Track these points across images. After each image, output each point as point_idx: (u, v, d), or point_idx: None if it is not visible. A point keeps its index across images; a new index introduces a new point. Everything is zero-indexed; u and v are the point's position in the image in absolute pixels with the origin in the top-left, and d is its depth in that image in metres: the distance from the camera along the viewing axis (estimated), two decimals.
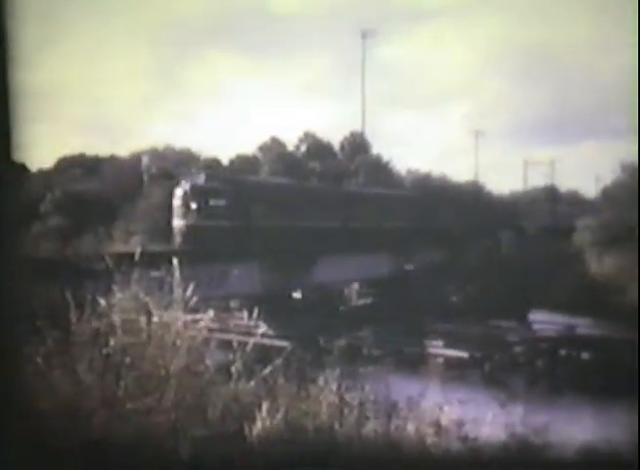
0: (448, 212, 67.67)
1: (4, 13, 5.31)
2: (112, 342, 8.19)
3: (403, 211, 62.40)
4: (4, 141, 5.59)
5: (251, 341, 9.25)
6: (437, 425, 9.07)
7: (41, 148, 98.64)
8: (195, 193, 45.71)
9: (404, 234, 59.72)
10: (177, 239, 45.97)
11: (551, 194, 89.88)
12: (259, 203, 48.42)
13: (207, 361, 8.72)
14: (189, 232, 44.89)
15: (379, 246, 57.25)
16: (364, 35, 76.21)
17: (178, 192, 46.65)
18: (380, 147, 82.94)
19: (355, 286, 59.28)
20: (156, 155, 72.33)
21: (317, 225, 52.07)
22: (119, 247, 52.41)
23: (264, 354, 9.43)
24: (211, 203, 45.76)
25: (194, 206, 45.28)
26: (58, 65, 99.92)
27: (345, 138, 77.92)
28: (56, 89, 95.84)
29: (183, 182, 47.25)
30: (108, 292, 8.84)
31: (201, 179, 47.37)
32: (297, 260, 48.52)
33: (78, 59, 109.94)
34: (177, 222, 46.45)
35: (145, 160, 67.16)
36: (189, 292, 8.91)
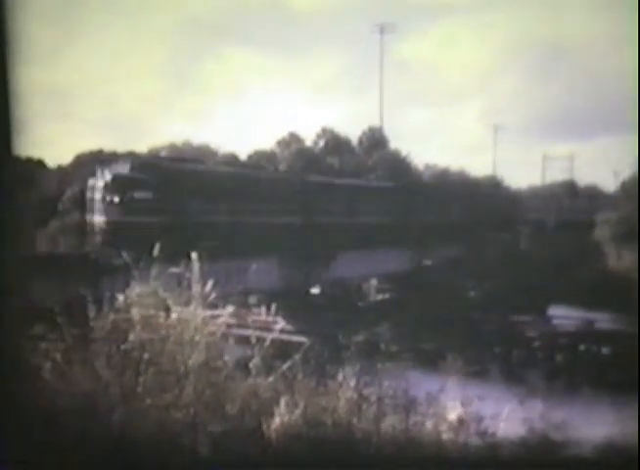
0: (466, 207, 67.60)
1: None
2: (130, 338, 8.23)
3: (385, 204, 60.28)
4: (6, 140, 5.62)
5: (270, 336, 9.26)
6: (456, 420, 9.07)
7: (60, 146, 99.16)
8: (116, 184, 40.07)
9: (422, 229, 59.64)
10: (96, 238, 40.37)
11: (570, 189, 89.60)
12: (198, 195, 42.63)
13: (226, 357, 8.75)
14: (109, 230, 39.31)
15: (397, 241, 57.20)
16: (382, 31, 76.27)
17: (98, 183, 40.93)
18: (398, 142, 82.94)
19: (374, 281, 59.15)
20: (174, 151, 72.39)
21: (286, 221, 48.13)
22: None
23: (283, 350, 9.44)
24: (136, 195, 40.08)
25: (115, 199, 39.75)
26: (75, 64, 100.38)
27: (364, 133, 77.85)
28: (74, 88, 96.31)
29: (105, 172, 41.26)
30: (126, 288, 8.88)
31: (124, 168, 41.37)
32: (316, 256, 48.39)
33: (96, 57, 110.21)
34: (97, 218, 40.74)
35: (163, 155, 67.02)
36: (208, 288, 8.92)
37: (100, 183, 40.55)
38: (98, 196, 40.48)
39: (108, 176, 40.52)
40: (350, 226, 53.78)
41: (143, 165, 42.40)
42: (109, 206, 39.79)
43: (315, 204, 51.96)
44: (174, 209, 40.45)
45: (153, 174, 41.09)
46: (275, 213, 47.68)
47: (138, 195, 40.12)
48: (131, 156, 45.65)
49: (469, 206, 68.18)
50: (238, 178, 48.02)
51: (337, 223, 52.43)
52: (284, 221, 47.93)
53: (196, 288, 8.81)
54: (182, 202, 41.26)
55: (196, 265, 8.98)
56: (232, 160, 70.13)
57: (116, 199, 39.65)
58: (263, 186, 48.63)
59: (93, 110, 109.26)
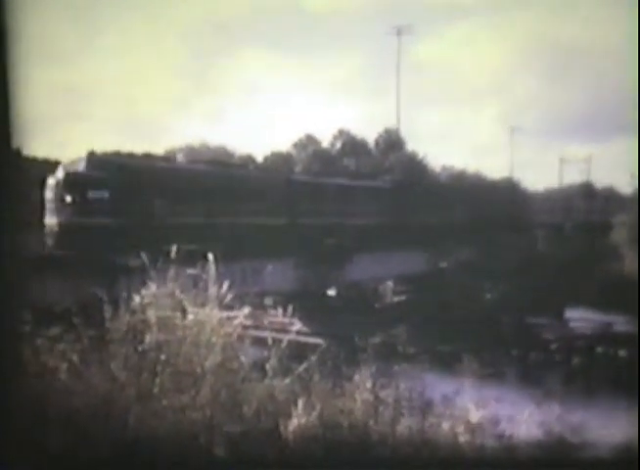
0: (482, 209, 67.46)
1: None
2: (147, 339, 8.25)
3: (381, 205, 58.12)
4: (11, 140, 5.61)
5: (286, 338, 9.26)
6: (473, 423, 9.04)
7: (79, 147, 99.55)
8: (70, 183, 36.27)
9: (438, 231, 59.59)
10: (48, 240, 36.25)
11: (587, 191, 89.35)
12: (166, 195, 39.07)
13: (242, 358, 8.75)
14: (62, 232, 35.71)
15: (413, 243, 57.12)
16: (399, 32, 76.24)
17: (50, 181, 36.76)
18: (414, 144, 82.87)
19: (390, 283, 59.01)
20: (191, 152, 72.52)
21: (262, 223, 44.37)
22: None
23: (299, 351, 9.44)
24: (91, 195, 36.37)
25: (68, 199, 35.87)
26: (93, 64, 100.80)
27: (380, 135, 77.74)
28: (92, 88, 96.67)
29: (59, 169, 37.33)
30: (143, 289, 8.89)
31: (80, 166, 37.50)
32: (331, 258, 48.25)
33: (113, 58, 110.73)
34: (48, 220, 36.57)
35: (180, 157, 67.12)
36: (224, 289, 8.92)
37: (52, 181, 36.88)
38: (50, 196, 36.67)
39: (60, 174, 36.94)
40: (361, 228, 53.67)
41: (100, 163, 38.46)
42: (61, 206, 36.21)
43: (301, 205, 49.26)
44: (136, 209, 37.29)
45: (111, 172, 37.61)
46: (258, 214, 44.90)
47: (93, 194, 36.71)
48: (91, 154, 40.58)
49: (485, 208, 68.04)
50: (213, 177, 44.47)
51: (338, 225, 52.13)
52: (266, 223, 44.95)
53: (212, 289, 8.82)
54: (145, 202, 38.11)
55: (212, 267, 8.98)
56: (248, 161, 70.16)
57: (69, 198, 36.09)
58: (244, 185, 45.79)
59: (111, 110, 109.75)
